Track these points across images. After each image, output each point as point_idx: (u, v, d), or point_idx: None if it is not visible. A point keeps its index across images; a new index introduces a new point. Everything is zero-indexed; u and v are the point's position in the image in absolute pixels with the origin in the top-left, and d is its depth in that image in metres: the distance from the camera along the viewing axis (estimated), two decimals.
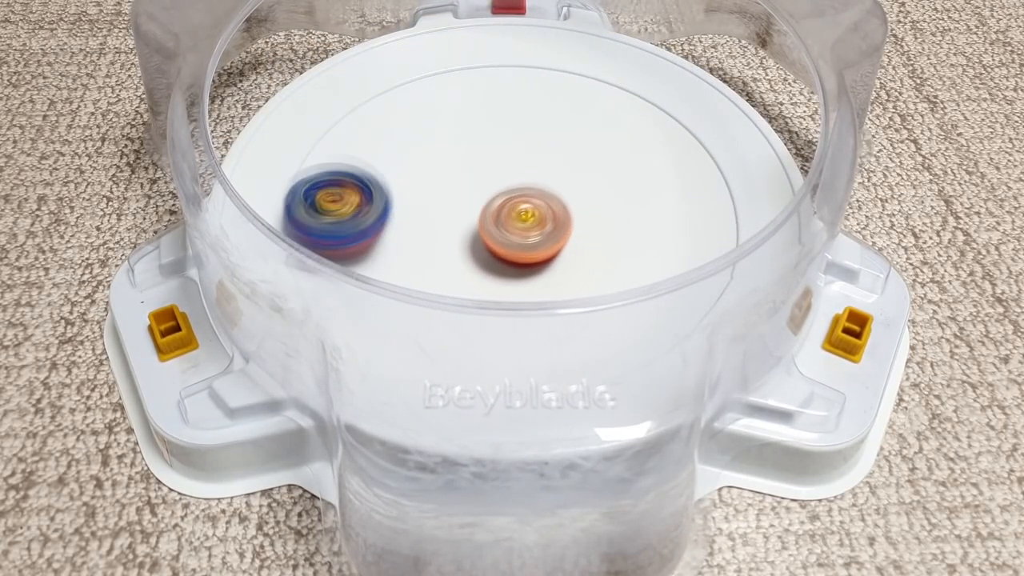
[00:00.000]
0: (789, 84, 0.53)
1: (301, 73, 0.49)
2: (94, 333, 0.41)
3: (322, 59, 0.49)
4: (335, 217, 0.37)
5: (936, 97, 0.53)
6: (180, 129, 0.37)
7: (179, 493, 0.36)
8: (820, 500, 0.36)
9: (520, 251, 0.37)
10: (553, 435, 0.30)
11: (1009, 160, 0.49)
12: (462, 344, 0.32)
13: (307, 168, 0.39)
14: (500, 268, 0.38)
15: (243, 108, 0.51)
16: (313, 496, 0.36)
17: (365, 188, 0.38)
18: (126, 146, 0.49)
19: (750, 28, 0.51)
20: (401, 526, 0.30)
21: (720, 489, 0.36)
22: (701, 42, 0.56)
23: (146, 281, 0.39)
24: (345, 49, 0.49)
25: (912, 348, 0.41)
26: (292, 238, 0.33)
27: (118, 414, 0.38)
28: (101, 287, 0.42)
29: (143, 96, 0.52)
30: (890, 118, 0.51)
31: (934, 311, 0.42)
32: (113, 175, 0.47)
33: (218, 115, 0.51)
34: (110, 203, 0.46)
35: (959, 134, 0.50)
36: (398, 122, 0.44)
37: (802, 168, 0.48)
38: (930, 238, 0.45)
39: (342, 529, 0.33)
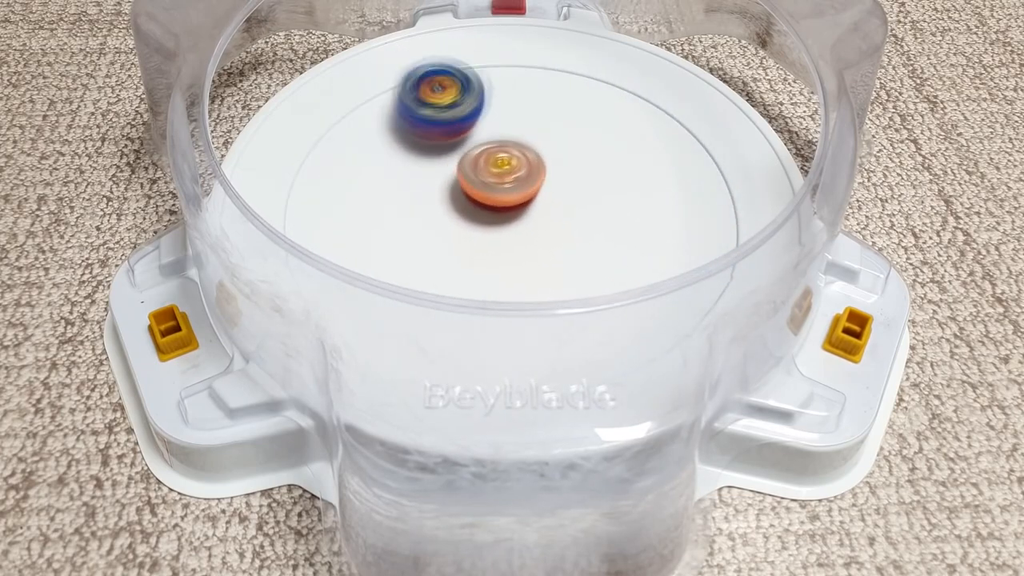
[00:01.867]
0: (789, 84, 0.53)
1: (301, 73, 0.49)
2: (94, 333, 0.41)
3: (322, 59, 0.49)
4: (436, 105, 0.42)
5: (936, 97, 0.53)
6: (180, 129, 0.37)
7: (179, 493, 0.36)
8: (820, 500, 0.36)
9: (494, 194, 0.39)
10: (553, 435, 0.30)
11: (1009, 160, 0.49)
12: (462, 344, 0.32)
13: (415, 63, 0.43)
14: (481, 215, 0.40)
15: (243, 108, 0.51)
16: (313, 496, 0.36)
17: (464, 82, 0.42)
18: (126, 146, 0.49)
19: (750, 28, 0.51)
20: (401, 526, 0.30)
21: (720, 489, 0.36)
22: (701, 42, 0.56)
23: (146, 281, 0.39)
24: (345, 49, 0.49)
25: (912, 348, 0.41)
26: (402, 124, 0.42)
27: (118, 414, 0.38)
28: (101, 287, 0.42)
29: (143, 96, 0.52)
30: (890, 118, 0.51)
31: (934, 311, 0.42)
32: (113, 175, 0.47)
33: (218, 115, 0.51)
34: (110, 203, 0.46)
35: (959, 134, 0.50)
36: (398, 122, 0.44)
37: (802, 168, 0.47)
38: (930, 238, 0.45)
39: (342, 529, 0.33)
